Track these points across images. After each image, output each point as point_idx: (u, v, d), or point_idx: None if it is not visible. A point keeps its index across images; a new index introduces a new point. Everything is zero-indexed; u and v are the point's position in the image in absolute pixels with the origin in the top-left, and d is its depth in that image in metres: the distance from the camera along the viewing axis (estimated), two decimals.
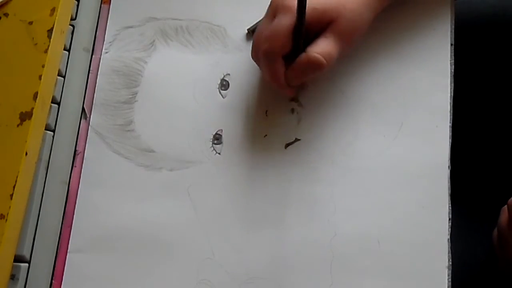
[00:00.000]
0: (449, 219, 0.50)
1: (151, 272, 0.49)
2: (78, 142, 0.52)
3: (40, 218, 0.49)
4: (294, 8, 0.46)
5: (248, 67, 0.54)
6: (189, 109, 0.53)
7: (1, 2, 0.51)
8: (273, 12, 0.49)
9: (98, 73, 0.54)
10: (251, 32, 0.55)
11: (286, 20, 0.47)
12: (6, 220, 0.44)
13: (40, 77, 0.48)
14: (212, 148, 0.52)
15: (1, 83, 0.49)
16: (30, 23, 0.50)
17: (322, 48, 0.47)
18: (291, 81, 0.50)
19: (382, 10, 0.51)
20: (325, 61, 0.47)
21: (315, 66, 0.48)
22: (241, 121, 0.53)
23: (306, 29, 0.48)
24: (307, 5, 0.46)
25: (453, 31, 0.54)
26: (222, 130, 0.53)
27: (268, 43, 0.48)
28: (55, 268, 0.49)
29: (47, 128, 0.51)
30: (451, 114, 0.52)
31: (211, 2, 0.56)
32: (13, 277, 0.47)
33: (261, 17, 0.55)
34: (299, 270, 0.49)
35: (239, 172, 0.51)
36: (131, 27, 0.56)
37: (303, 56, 0.48)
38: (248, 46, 0.55)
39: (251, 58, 0.51)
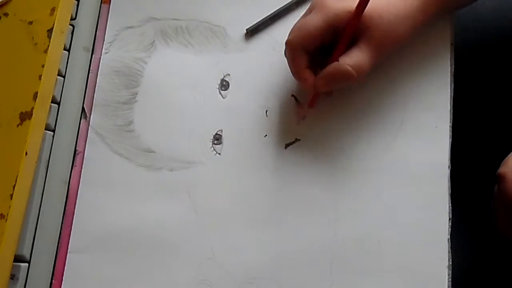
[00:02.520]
0: (449, 219, 0.50)
1: (151, 272, 0.49)
2: (78, 142, 0.52)
3: (40, 218, 0.49)
4: (329, 8, 0.46)
5: (248, 67, 0.54)
6: (189, 110, 0.53)
7: (1, 2, 0.51)
8: (310, 9, 0.49)
9: (98, 73, 0.54)
10: (250, 32, 0.55)
11: (317, 18, 0.47)
12: (6, 220, 0.44)
13: (40, 77, 0.48)
14: (212, 148, 0.52)
15: (1, 83, 0.49)
16: (30, 23, 0.50)
17: (355, 60, 0.47)
18: (319, 87, 0.49)
19: (425, 23, 0.50)
20: (355, 74, 0.47)
21: (344, 77, 0.47)
22: (241, 121, 0.53)
23: (337, 32, 0.47)
24: (342, 9, 0.46)
25: (453, 30, 0.54)
26: (222, 130, 0.53)
27: (292, 34, 0.48)
28: (55, 268, 0.49)
29: (47, 128, 0.51)
30: (451, 114, 0.52)
31: (211, 2, 0.56)
32: (13, 277, 0.47)
33: (262, 17, 0.55)
34: (299, 270, 0.49)
35: (239, 172, 0.51)
36: (131, 27, 0.56)
37: (334, 66, 0.47)
38: (248, 46, 0.55)
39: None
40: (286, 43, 0.49)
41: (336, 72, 0.47)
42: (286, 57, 0.50)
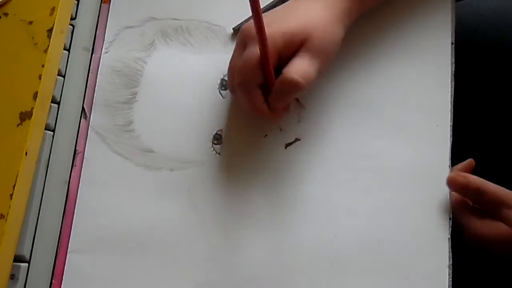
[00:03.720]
0: (449, 219, 0.50)
1: (151, 272, 0.49)
2: (78, 142, 0.52)
3: (40, 218, 0.49)
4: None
5: None
6: (189, 109, 0.53)
7: (1, 2, 0.51)
8: (243, 43, 0.49)
9: (98, 73, 0.54)
10: (236, 31, 0.55)
11: (256, 50, 0.47)
12: (6, 219, 0.44)
13: (40, 76, 0.48)
14: (212, 148, 0.52)
15: (1, 83, 0.49)
16: (30, 22, 0.50)
17: (297, 67, 0.47)
18: (274, 105, 0.49)
19: (353, 24, 0.51)
20: (302, 80, 0.47)
21: (292, 86, 0.47)
22: (241, 121, 0.53)
23: (280, 55, 0.48)
24: (276, 32, 0.46)
25: (453, 30, 0.54)
26: (222, 130, 0.53)
27: (241, 75, 0.48)
28: (55, 268, 0.49)
29: (47, 128, 0.51)
30: (452, 114, 0.52)
31: (211, 2, 0.56)
32: (13, 277, 0.47)
33: (247, 16, 0.55)
34: (299, 270, 0.49)
35: (239, 172, 0.51)
36: (131, 27, 0.56)
37: (279, 79, 0.47)
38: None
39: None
40: (239, 85, 0.48)
41: (283, 83, 0.47)
42: (237, 96, 0.50)
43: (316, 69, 0.48)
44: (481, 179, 0.50)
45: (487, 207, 0.50)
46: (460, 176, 0.50)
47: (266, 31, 0.46)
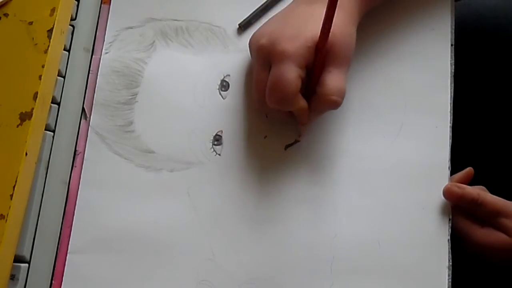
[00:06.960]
0: (449, 219, 0.50)
1: (151, 272, 0.49)
2: (78, 143, 0.52)
3: (40, 219, 0.49)
4: (290, 52, 0.46)
5: (248, 68, 0.54)
6: (189, 110, 0.53)
7: (1, 2, 0.51)
8: (265, 60, 0.48)
9: (98, 73, 0.54)
10: (242, 27, 0.55)
11: (290, 70, 0.46)
12: (6, 220, 0.44)
13: (40, 77, 0.48)
14: (212, 149, 0.52)
15: (1, 83, 0.49)
16: (30, 23, 0.50)
17: (331, 86, 0.47)
18: (311, 120, 0.51)
19: (361, 20, 0.51)
20: (339, 99, 0.48)
21: (332, 106, 0.48)
22: (241, 122, 0.53)
23: (307, 68, 0.48)
24: (303, 46, 0.46)
25: (453, 31, 0.54)
26: (222, 131, 0.53)
27: (281, 104, 0.48)
28: (55, 269, 0.49)
29: (47, 128, 0.50)
30: (451, 115, 0.52)
31: (211, 3, 0.56)
32: (13, 277, 0.47)
33: (253, 10, 0.54)
34: (300, 270, 0.49)
35: (239, 173, 0.51)
36: (131, 27, 0.56)
37: (317, 101, 0.48)
38: (246, 45, 0.54)
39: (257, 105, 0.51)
40: (282, 108, 0.49)
41: (322, 105, 0.48)
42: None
43: (345, 77, 0.48)
44: (477, 190, 0.51)
45: (484, 217, 0.51)
46: (456, 187, 0.50)
47: (293, 45, 0.46)
